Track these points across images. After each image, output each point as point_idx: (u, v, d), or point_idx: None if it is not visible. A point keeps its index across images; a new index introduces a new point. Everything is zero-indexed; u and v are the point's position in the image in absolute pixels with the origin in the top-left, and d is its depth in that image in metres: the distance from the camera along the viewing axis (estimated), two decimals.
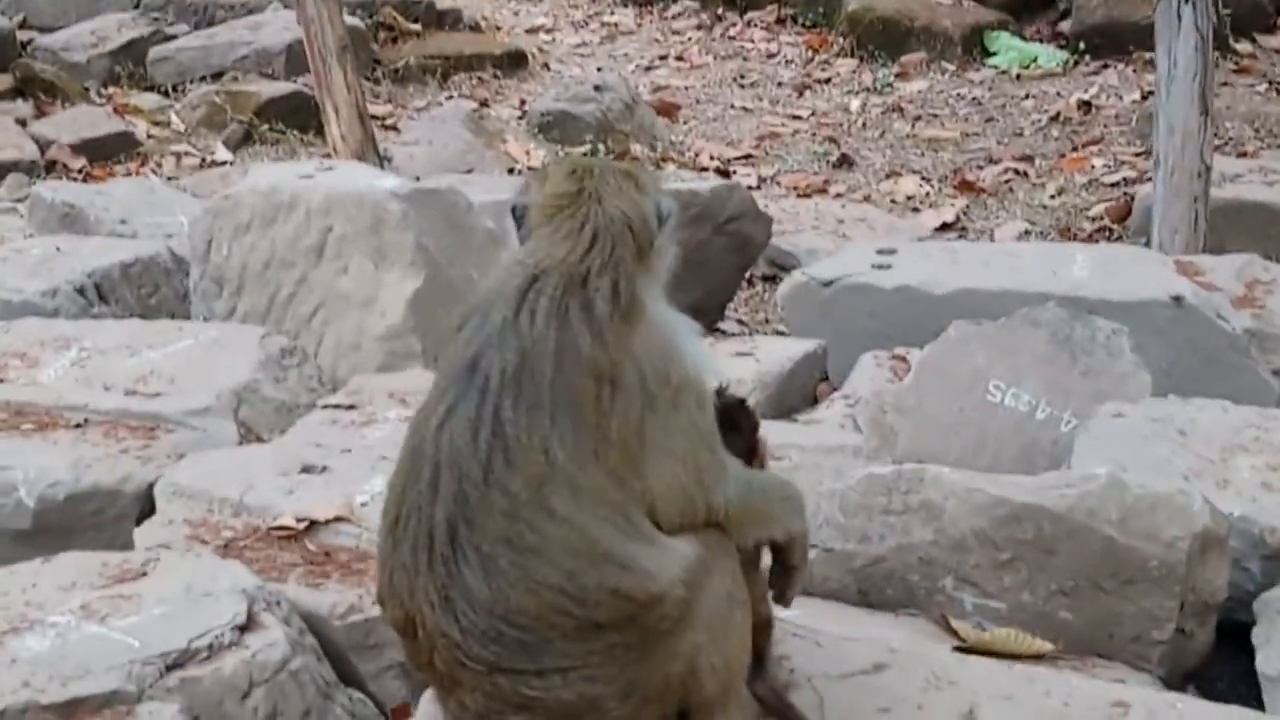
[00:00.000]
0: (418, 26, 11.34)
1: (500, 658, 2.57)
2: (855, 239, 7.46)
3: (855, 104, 10.54)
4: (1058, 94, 10.35)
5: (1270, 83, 10.04)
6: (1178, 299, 5.23)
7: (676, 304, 2.86)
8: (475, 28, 11.89)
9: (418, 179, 6.95)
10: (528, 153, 9.24)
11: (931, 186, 8.88)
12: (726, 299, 6.96)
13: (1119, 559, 3.54)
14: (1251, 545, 3.82)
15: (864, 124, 10.18)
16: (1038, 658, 3.52)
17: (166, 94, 10.23)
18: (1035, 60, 10.96)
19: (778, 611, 3.05)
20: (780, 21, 12.36)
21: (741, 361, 5.28)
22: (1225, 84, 9.72)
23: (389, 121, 9.73)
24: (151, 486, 4.31)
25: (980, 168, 9.13)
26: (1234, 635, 3.74)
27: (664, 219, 2.81)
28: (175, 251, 6.25)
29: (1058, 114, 9.95)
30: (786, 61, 11.63)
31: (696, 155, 9.62)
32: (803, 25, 12.17)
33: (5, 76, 10.19)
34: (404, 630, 2.69)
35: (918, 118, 10.21)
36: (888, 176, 9.13)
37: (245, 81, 10.14)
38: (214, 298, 5.83)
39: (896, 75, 10.96)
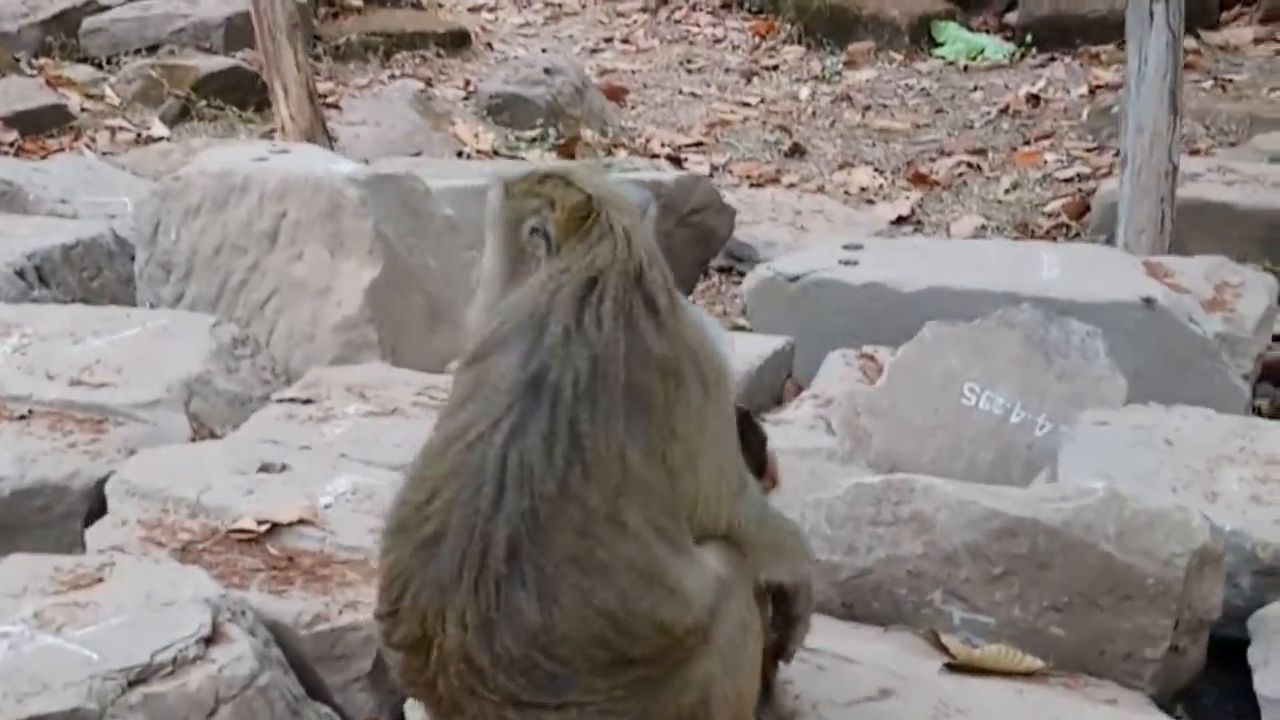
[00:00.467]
0: (359, 2, 11.10)
1: (524, 690, 2.46)
2: (813, 231, 7.37)
3: (804, 92, 10.44)
4: (1005, 86, 10.29)
5: (1215, 79, 10.02)
6: (1149, 301, 5.17)
7: None
8: (417, 5, 11.65)
9: (366, 161, 6.76)
10: (476, 135, 9.03)
11: (885, 178, 8.79)
12: (686, 293, 6.77)
13: (1115, 575, 3.45)
14: (1243, 561, 3.75)
15: (814, 112, 10.07)
16: (1028, 674, 3.44)
17: (100, 66, 9.90)
18: (982, 52, 10.91)
19: None
20: (726, 6, 12.24)
21: None
22: None
23: (331, 100, 9.48)
24: (101, 483, 4.11)
25: (933, 160, 9.05)
26: (1224, 651, 3.67)
27: (644, 210, 2.76)
28: (118, 233, 6.00)
29: (1007, 106, 9.88)
30: (733, 47, 11.51)
31: (647, 141, 9.47)
32: (749, 10, 12.06)
33: None
34: (412, 649, 2.56)
35: (867, 107, 10.12)
36: (840, 167, 9.02)
37: (182, 55, 9.83)
38: (161, 283, 5.61)
39: (844, 64, 10.87)
